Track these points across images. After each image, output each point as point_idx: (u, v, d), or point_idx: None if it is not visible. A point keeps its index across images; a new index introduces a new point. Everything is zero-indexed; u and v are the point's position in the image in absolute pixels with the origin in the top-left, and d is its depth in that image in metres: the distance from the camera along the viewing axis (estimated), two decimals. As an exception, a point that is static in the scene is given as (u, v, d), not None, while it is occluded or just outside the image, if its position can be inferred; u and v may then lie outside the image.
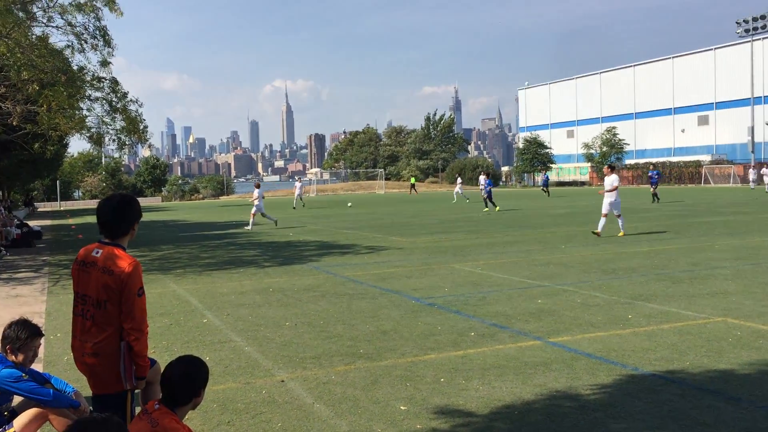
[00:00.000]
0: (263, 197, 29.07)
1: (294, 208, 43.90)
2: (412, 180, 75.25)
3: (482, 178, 56.99)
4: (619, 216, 19.67)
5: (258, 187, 28.93)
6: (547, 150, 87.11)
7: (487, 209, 34.16)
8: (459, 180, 50.42)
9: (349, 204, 45.30)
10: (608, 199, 19.61)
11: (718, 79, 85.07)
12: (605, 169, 20.81)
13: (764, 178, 50.17)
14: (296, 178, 62.13)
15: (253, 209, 27.76)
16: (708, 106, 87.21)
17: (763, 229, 20.18)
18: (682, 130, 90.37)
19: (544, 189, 53.99)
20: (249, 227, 26.97)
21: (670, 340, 7.72)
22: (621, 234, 19.34)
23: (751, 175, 55.94)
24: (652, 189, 38.57)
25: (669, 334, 8.00)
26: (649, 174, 40.56)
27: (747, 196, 41.38)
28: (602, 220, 19.43)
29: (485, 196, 35.16)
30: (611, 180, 19.84)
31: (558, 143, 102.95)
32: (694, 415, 5.43)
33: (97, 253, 4.42)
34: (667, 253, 15.20)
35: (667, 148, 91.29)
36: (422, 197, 59.75)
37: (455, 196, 47.75)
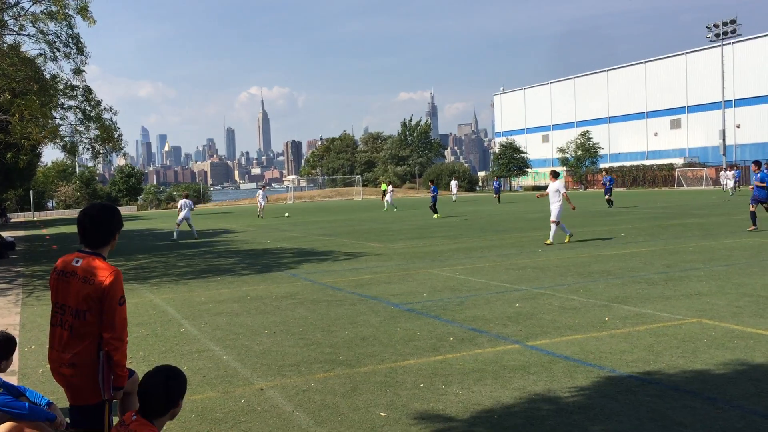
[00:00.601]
0: (192, 208, 28.02)
1: (260, 216, 42.31)
2: (383, 186, 74.29)
3: (453, 184, 56.97)
4: (556, 223, 18.68)
5: (186, 197, 28.30)
6: (523, 155, 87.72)
7: (437, 215, 34.21)
8: (390, 188, 48.01)
9: (287, 214, 43.59)
10: (555, 205, 18.85)
11: (690, 83, 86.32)
12: (549, 175, 19.97)
13: (727, 182, 49.17)
14: (260, 186, 59.67)
15: (180, 217, 27.16)
16: (680, 110, 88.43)
17: (736, 230, 20.50)
18: (655, 134, 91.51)
19: (496, 195, 52.61)
20: (174, 236, 26.88)
21: (647, 341, 7.80)
22: (548, 242, 18.46)
23: (723, 178, 56.46)
24: (606, 195, 36.61)
25: (645, 335, 8.08)
26: (605, 180, 37.85)
27: (720, 198, 41.97)
28: (562, 227, 18.89)
29: (432, 203, 35.36)
30: (556, 186, 19.06)
31: (533, 148, 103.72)
32: (671, 415, 5.49)
33: (77, 262, 4.38)
34: (642, 256, 15.37)
35: (641, 151, 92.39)
36: (397, 203, 59.83)
37: (386, 205, 46.08)
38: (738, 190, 48.10)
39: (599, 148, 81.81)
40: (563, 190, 19.02)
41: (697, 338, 7.84)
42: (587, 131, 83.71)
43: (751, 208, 20.22)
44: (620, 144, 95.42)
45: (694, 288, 11.06)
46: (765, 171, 20.09)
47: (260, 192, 46.87)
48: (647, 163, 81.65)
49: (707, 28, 74.54)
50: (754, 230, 19.59)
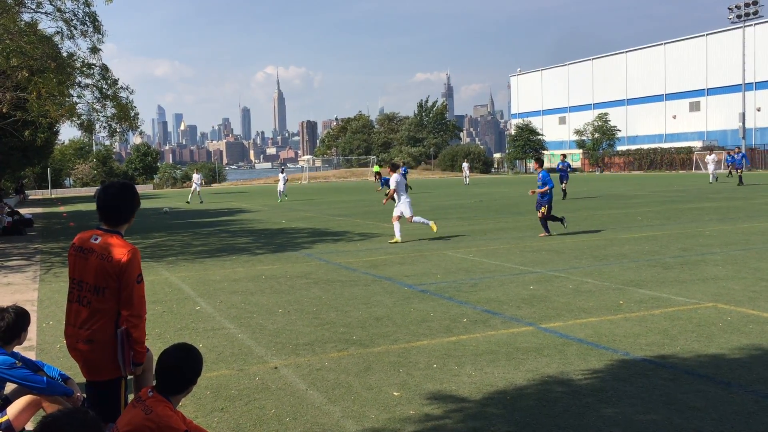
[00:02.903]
0: None
1: (188, 202, 39.53)
2: (376, 168, 69.54)
3: (465, 166, 55.82)
4: (410, 218, 16.83)
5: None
6: (539, 137, 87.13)
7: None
8: (283, 176, 40.90)
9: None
10: (397, 201, 17.12)
11: (710, 65, 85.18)
12: (388, 169, 18.04)
13: (708, 166, 42.44)
14: (194, 169, 52.32)
15: None
16: (699, 93, 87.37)
17: (753, 215, 20.29)
18: (674, 117, 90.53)
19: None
20: None
21: (661, 325, 7.77)
22: (434, 230, 16.88)
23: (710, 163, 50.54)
24: (562, 185, 29.97)
25: (660, 319, 8.05)
26: (558, 166, 31.31)
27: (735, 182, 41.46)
28: (395, 225, 16.75)
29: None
30: (391, 181, 17.31)
31: (550, 130, 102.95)
32: (685, 399, 5.48)
33: (96, 240, 4.42)
34: (658, 239, 15.27)
35: (659, 134, 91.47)
36: (413, 184, 59.72)
37: (279, 196, 39.43)
38: (715, 178, 41.44)
39: (617, 130, 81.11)
40: (392, 185, 17.14)
41: (712, 323, 7.80)
42: (605, 113, 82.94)
43: (539, 214, 17.03)
44: (638, 127, 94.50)
45: (710, 272, 10.99)
46: (546, 171, 17.36)
47: (195, 176, 42.35)
48: (665, 146, 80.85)
49: (729, 9, 73.40)
50: (546, 236, 16.49)
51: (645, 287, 9.97)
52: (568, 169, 31.09)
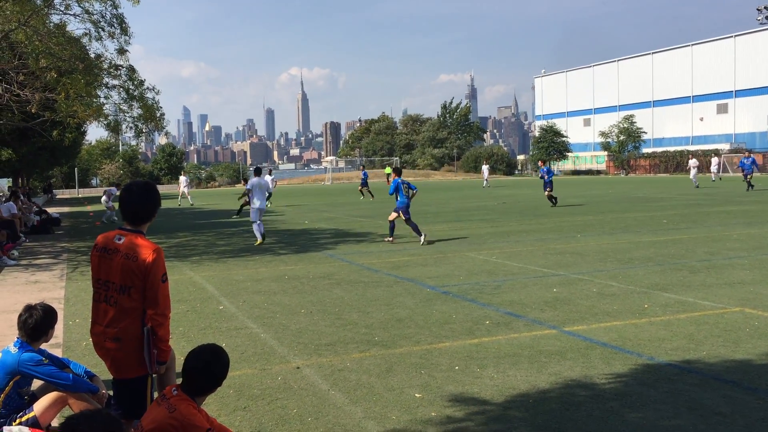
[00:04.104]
0: (114, 194, 27.30)
1: (179, 204, 38.99)
2: (387, 170, 70.47)
3: (485, 168, 55.58)
4: (256, 223, 17.49)
5: (117, 186, 28.78)
6: (564, 138, 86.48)
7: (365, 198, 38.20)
8: (271, 177, 36.69)
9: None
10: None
11: (738, 66, 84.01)
12: (254, 174, 18.56)
13: (691, 171, 41.47)
14: (183, 171, 52.35)
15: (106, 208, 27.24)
16: (727, 95, 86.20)
17: (782, 218, 19.95)
18: (701, 119, 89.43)
19: (364, 188, 39.82)
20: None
21: (687, 329, 7.68)
22: (258, 242, 17.33)
23: (713, 165, 48.65)
24: (546, 191, 27.87)
25: (685, 323, 7.96)
26: (542, 172, 29.00)
27: (764, 185, 40.83)
28: (257, 226, 17.55)
29: (361, 186, 39.93)
30: (248, 183, 17.93)
31: (574, 131, 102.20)
32: (711, 404, 5.41)
33: (119, 239, 4.47)
34: (684, 243, 15.09)
35: (686, 136, 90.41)
36: (440, 185, 59.62)
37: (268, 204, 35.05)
38: (714, 179, 40.46)
39: (642, 132, 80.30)
40: (248, 187, 17.99)
41: (739, 327, 7.70)
42: (631, 115, 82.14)
43: (391, 217, 17.12)
44: (664, 129, 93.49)
45: (737, 276, 10.84)
46: (399, 178, 16.95)
47: (182, 178, 41.71)
48: (692, 148, 79.89)
49: (757, 10, 72.42)
50: (391, 242, 16.83)
51: (670, 291, 9.86)
52: (549, 175, 28.31)
